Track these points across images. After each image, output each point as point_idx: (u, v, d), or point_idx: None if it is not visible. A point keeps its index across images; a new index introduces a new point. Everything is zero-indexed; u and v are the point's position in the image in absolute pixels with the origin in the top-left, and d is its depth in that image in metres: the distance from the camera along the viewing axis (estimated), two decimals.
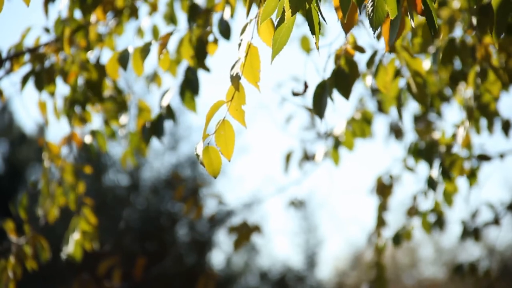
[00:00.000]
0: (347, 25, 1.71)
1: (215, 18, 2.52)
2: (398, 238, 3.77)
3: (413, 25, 1.41)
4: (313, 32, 1.46)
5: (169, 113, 2.52)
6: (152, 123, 2.54)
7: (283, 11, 1.44)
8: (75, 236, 3.04)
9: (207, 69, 2.42)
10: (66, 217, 3.29)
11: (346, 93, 2.00)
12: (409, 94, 2.22)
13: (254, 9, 1.78)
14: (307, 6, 1.44)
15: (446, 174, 2.98)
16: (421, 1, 1.45)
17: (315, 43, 1.46)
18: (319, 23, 1.45)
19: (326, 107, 1.96)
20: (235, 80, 1.57)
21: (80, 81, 2.82)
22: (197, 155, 1.57)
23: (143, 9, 3.10)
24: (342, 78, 2.00)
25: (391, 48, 2.15)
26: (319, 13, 1.45)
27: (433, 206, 3.51)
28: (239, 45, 1.60)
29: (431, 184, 3.07)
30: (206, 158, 1.58)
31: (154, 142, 2.48)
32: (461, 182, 3.21)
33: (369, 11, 1.38)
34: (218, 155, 1.58)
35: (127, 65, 2.41)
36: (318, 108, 1.97)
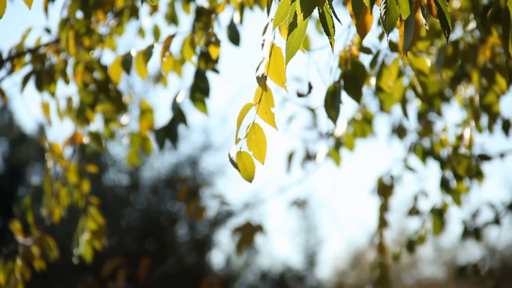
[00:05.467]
0: (362, 30, 1.67)
1: (220, 20, 2.50)
2: (412, 245, 3.73)
3: (427, 28, 1.39)
4: (328, 34, 1.44)
5: (181, 117, 2.49)
6: (165, 127, 2.51)
7: (295, 15, 1.42)
8: (85, 236, 3.04)
9: (216, 71, 2.41)
10: (67, 218, 3.29)
11: (356, 96, 1.96)
12: (411, 93, 2.20)
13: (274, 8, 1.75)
14: (320, 10, 1.43)
15: (456, 174, 2.97)
16: (434, 3, 1.42)
17: (330, 43, 1.45)
18: (333, 26, 1.44)
19: (340, 112, 1.93)
20: (262, 81, 1.54)
21: (85, 81, 2.82)
22: (231, 160, 1.53)
23: (144, 9, 3.10)
24: (352, 81, 1.96)
25: (394, 48, 2.14)
26: (332, 15, 1.43)
27: (441, 206, 3.49)
28: (262, 45, 1.57)
29: (444, 184, 3.05)
30: (240, 163, 1.54)
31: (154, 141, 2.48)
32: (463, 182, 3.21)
33: (382, 13, 1.36)
34: (251, 160, 1.55)
35: (131, 69, 2.41)
36: (332, 113, 1.93)
